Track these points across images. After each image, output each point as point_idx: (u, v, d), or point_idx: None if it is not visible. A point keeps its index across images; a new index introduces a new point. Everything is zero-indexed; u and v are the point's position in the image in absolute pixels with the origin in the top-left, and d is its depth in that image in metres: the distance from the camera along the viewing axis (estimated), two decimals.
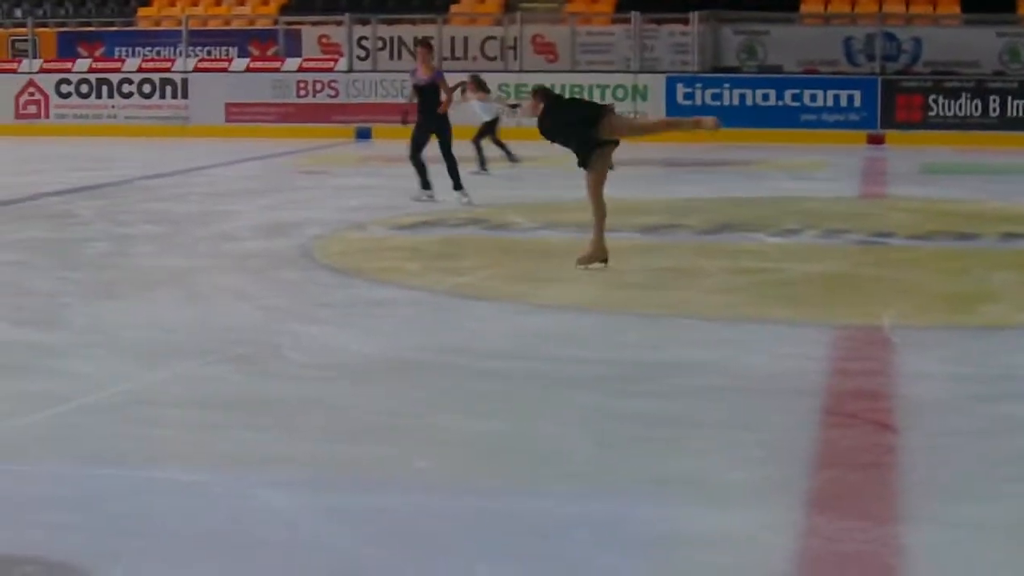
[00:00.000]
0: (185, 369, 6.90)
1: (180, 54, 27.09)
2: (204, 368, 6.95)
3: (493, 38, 27.13)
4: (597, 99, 23.91)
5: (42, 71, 27.08)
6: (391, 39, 27.61)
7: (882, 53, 25.17)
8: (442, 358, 7.16)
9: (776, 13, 26.51)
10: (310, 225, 12.54)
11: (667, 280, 9.84)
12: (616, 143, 9.98)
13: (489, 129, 18.06)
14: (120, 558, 4.27)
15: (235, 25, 29.08)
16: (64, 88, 26.72)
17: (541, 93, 10.24)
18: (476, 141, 17.63)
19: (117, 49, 28.70)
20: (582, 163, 9.91)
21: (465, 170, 15.02)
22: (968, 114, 23.63)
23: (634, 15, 25.63)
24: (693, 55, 25.70)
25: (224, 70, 26.45)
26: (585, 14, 27.61)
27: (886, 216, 13.48)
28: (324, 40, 27.83)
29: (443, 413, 6.08)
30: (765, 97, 24.29)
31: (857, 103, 23.82)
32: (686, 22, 25.87)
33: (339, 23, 27.28)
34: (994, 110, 23.52)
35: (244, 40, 28.36)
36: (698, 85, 24.56)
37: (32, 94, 26.85)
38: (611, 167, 9.99)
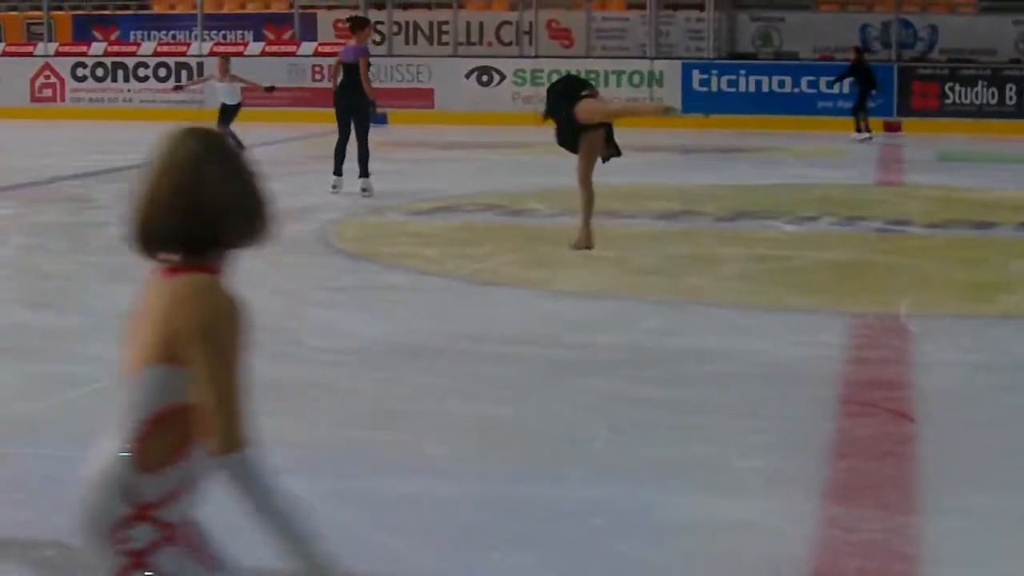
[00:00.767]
0: None
1: (195, 38, 27.11)
2: None
3: (508, 23, 27.09)
4: (612, 86, 23.97)
5: (58, 54, 27.13)
6: (407, 23, 27.59)
7: (898, 40, 25.08)
8: (457, 344, 7.16)
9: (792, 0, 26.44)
10: (325, 210, 12.54)
11: (683, 267, 9.82)
12: (602, 128, 9.63)
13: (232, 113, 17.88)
14: None
15: (250, 9, 29.08)
16: (80, 72, 26.76)
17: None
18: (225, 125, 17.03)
19: (132, 33, 28.74)
20: (561, 141, 9.71)
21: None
22: (985, 102, 23.54)
23: (650, 1, 25.56)
24: (709, 41, 25.64)
25: (239, 54, 26.43)
26: None
27: (903, 204, 13.43)
28: (339, 24, 27.75)
29: (457, 399, 6.09)
30: (781, 84, 24.22)
31: (873, 90, 23.72)
32: (702, 8, 25.82)
33: (355, 7, 27.25)
34: (1011, 98, 23.43)
35: (259, 24, 28.37)
36: (714, 72, 24.49)
37: (48, 77, 26.89)
38: (605, 157, 9.70)
